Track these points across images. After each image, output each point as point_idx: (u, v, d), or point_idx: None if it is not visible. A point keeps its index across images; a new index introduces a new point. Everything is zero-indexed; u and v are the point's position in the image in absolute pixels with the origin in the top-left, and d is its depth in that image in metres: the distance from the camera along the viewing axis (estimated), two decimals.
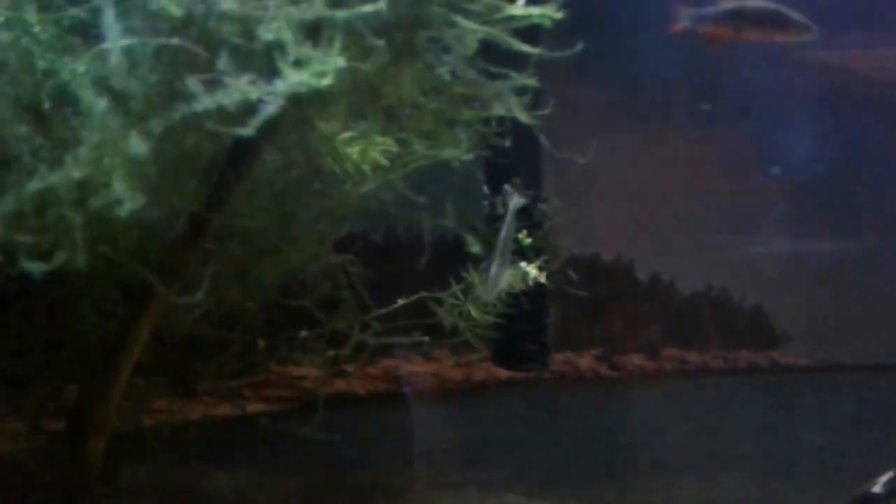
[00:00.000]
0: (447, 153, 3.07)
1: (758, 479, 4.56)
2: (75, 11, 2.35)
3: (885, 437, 4.78)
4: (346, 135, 3.17)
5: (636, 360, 6.37)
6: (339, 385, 5.22)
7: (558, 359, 6.00)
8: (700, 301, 6.87)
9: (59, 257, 2.37)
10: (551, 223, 4.37)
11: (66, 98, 2.35)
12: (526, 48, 2.63)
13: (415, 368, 5.41)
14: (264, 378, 4.94)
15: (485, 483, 4.34)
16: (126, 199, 2.25)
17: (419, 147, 3.21)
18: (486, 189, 4.66)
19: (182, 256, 2.91)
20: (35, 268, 2.31)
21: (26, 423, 3.45)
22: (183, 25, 2.48)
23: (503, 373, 5.58)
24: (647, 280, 6.74)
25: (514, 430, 5.01)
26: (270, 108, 2.15)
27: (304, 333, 3.77)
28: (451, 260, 4.09)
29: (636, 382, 6.22)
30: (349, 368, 5.07)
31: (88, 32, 2.35)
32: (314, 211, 3.21)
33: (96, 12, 2.27)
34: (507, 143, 3.38)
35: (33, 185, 2.32)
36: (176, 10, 2.39)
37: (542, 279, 4.07)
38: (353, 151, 3.22)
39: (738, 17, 4.84)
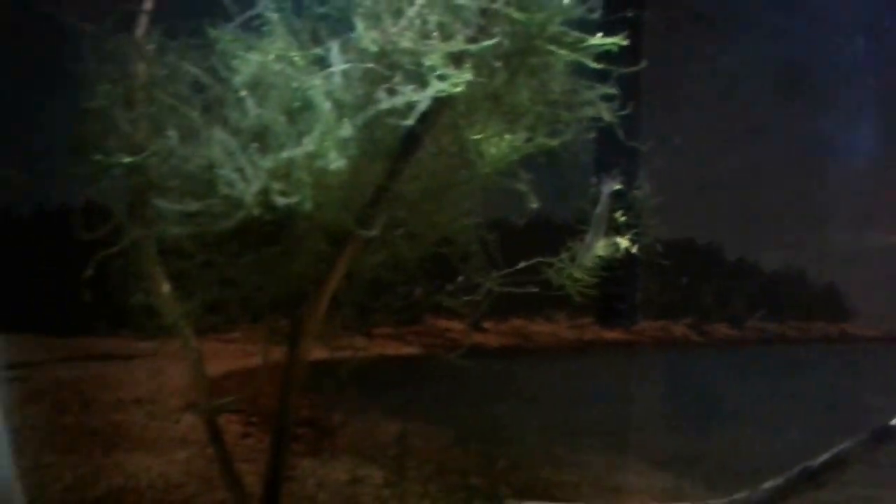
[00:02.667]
0: (545, 143, 4.32)
1: (820, 434, 5.32)
2: (317, 49, 3.82)
3: None
4: (484, 134, 4.49)
5: (723, 329, 7.29)
6: (477, 338, 6.47)
7: (655, 326, 7.05)
8: (780, 279, 7.72)
9: (293, 198, 3.83)
10: (642, 205, 5.39)
11: (306, 102, 3.83)
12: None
13: (537, 328, 6.60)
14: (422, 328, 6.27)
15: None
16: (334, 161, 3.70)
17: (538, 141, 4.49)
18: (593, 179, 5.71)
19: (370, 213, 4.31)
20: (281, 202, 3.78)
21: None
22: (378, 56, 3.92)
23: (609, 334, 6.68)
24: (735, 261, 7.66)
25: (614, 385, 6.03)
26: (423, 105, 3.51)
27: (455, 282, 5.03)
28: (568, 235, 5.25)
29: (721, 348, 7.12)
30: (487, 325, 6.34)
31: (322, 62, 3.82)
32: (458, 184, 4.55)
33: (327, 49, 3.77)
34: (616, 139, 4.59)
35: (283, 154, 3.81)
36: (372, 46, 3.84)
37: (632, 250, 5.11)
38: (490, 145, 4.55)
39: None
